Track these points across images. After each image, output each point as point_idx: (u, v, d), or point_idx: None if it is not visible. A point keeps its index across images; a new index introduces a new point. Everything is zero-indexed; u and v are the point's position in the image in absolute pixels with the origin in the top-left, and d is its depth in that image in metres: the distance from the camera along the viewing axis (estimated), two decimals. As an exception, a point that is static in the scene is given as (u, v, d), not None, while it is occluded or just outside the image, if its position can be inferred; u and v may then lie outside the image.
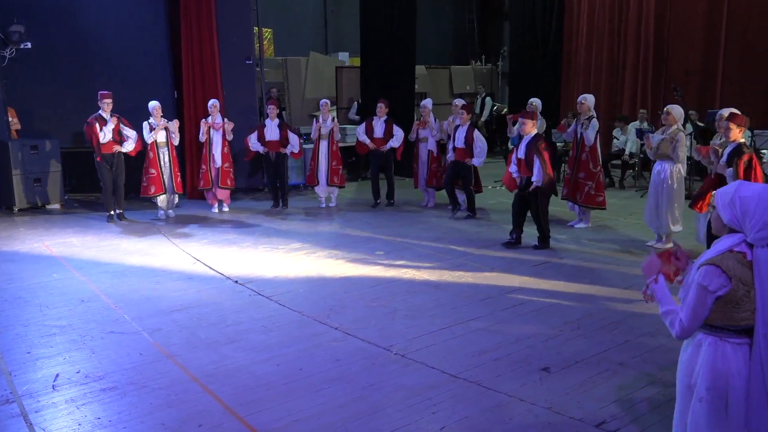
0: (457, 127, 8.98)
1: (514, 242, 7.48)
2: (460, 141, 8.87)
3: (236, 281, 6.25)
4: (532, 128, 7.32)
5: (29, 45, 9.58)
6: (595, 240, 7.71)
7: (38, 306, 5.58)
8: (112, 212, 8.86)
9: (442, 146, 9.93)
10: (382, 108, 9.81)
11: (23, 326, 5.12)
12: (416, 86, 14.03)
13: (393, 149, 9.90)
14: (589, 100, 8.24)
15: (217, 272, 6.57)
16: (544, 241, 7.37)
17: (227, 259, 7.01)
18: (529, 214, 7.47)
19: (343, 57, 16.30)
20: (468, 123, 8.92)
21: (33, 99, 9.99)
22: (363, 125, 10.03)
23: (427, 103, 9.93)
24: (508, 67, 16.99)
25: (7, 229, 8.53)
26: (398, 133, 9.79)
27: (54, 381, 4.15)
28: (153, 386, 4.06)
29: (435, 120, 9.87)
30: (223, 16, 10.54)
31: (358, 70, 13.68)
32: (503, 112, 15.16)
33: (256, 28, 11.41)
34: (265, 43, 13.64)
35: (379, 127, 9.82)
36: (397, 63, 12.71)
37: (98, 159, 8.58)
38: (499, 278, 6.25)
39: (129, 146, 8.75)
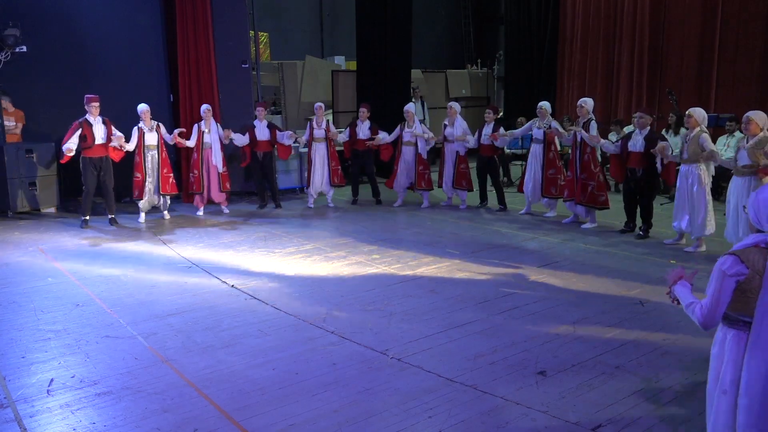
0: (483, 126, 9.68)
1: (629, 231, 8.12)
2: (486, 138, 9.52)
3: (232, 285, 6.24)
4: (648, 124, 7.87)
5: (25, 49, 9.55)
6: (592, 243, 7.73)
7: (33, 310, 5.56)
8: (88, 217, 8.81)
9: (436, 150, 10.19)
10: (364, 112, 10.17)
11: (18, 331, 5.10)
12: (418, 90, 14.03)
13: (373, 152, 10.26)
14: (588, 103, 8.51)
15: (213, 276, 6.55)
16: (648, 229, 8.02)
17: (223, 263, 7.00)
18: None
19: (339, 61, 16.30)
20: (494, 122, 9.60)
21: (28, 103, 9.96)
22: (347, 131, 10.21)
23: (410, 107, 10.14)
24: (503, 71, 17.03)
25: (1, 233, 8.49)
26: (383, 134, 10.14)
27: (48, 386, 4.13)
28: (148, 391, 4.05)
29: (420, 123, 10.21)
30: (219, 19, 10.55)
31: (354, 74, 13.69)
32: (499, 116, 15.14)
33: (252, 32, 11.42)
34: (261, 46, 13.65)
35: (363, 131, 10.09)
36: (393, 67, 12.75)
37: (62, 161, 8.69)
38: (495, 281, 6.25)
39: (132, 145, 8.84)
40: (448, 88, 16.70)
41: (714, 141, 10.05)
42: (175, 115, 10.57)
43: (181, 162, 10.39)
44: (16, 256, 7.38)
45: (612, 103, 13.38)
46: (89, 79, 10.02)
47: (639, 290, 5.94)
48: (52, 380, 4.20)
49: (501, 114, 15.46)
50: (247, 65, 10.99)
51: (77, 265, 6.94)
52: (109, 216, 8.94)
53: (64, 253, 7.50)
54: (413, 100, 14.26)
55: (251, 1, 11.24)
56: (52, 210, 9.82)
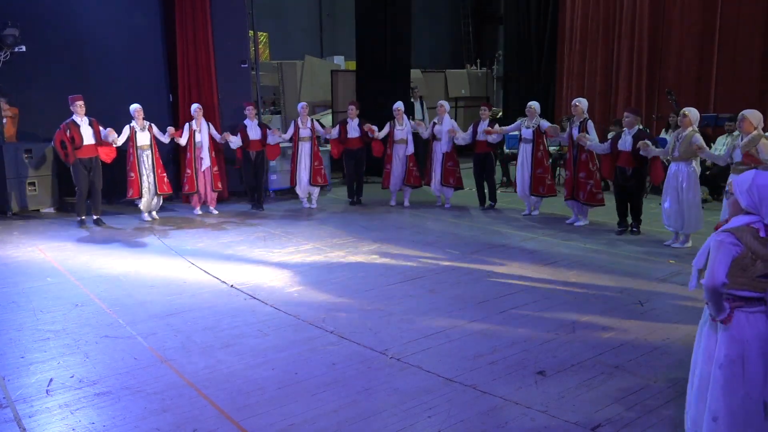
0: (477, 122, 9.68)
1: (625, 230, 8.16)
2: (482, 135, 9.58)
3: (231, 285, 6.24)
4: (634, 123, 7.90)
5: (24, 48, 9.54)
6: (592, 243, 7.72)
7: (32, 310, 5.55)
8: (84, 217, 8.79)
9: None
10: (352, 110, 10.18)
11: (17, 330, 5.09)
12: (417, 90, 14.00)
13: (366, 150, 10.30)
14: (583, 103, 8.67)
15: (212, 276, 6.55)
16: (639, 225, 8.16)
17: (222, 263, 6.99)
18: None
19: (339, 61, 16.32)
20: (488, 119, 9.66)
21: (27, 103, 9.95)
22: (337, 128, 10.20)
23: (399, 105, 10.19)
24: (502, 71, 17.04)
25: (0, 233, 8.48)
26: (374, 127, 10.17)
27: (48, 386, 4.12)
28: (147, 391, 4.05)
29: (409, 120, 10.31)
30: (218, 19, 10.54)
31: (353, 74, 13.69)
32: (498, 116, 15.16)
33: (252, 32, 11.41)
34: (260, 46, 13.65)
35: (353, 129, 10.08)
36: (393, 67, 12.74)
37: (71, 161, 8.54)
38: (495, 281, 6.25)
39: (122, 139, 8.80)
40: (447, 88, 16.70)
41: (714, 141, 10.08)
42: (175, 115, 10.56)
43: (180, 161, 10.37)
44: (15, 256, 7.37)
45: (611, 103, 13.37)
46: (88, 79, 10.01)
47: (639, 290, 5.94)
48: (51, 380, 4.20)
49: (500, 114, 15.45)
50: (246, 65, 10.97)
51: (76, 265, 6.94)
52: (95, 216, 8.87)
53: (63, 253, 7.49)
54: (412, 99, 14.30)
55: (251, 1, 11.23)
56: (52, 210, 9.81)
